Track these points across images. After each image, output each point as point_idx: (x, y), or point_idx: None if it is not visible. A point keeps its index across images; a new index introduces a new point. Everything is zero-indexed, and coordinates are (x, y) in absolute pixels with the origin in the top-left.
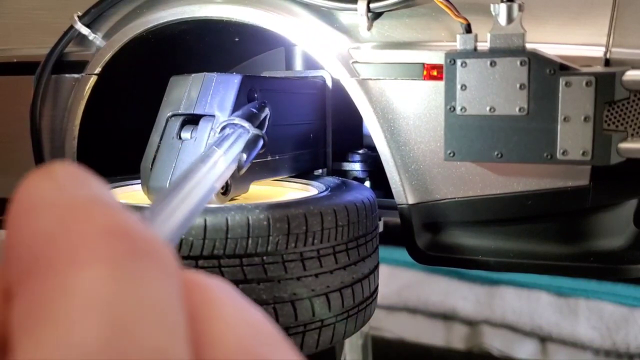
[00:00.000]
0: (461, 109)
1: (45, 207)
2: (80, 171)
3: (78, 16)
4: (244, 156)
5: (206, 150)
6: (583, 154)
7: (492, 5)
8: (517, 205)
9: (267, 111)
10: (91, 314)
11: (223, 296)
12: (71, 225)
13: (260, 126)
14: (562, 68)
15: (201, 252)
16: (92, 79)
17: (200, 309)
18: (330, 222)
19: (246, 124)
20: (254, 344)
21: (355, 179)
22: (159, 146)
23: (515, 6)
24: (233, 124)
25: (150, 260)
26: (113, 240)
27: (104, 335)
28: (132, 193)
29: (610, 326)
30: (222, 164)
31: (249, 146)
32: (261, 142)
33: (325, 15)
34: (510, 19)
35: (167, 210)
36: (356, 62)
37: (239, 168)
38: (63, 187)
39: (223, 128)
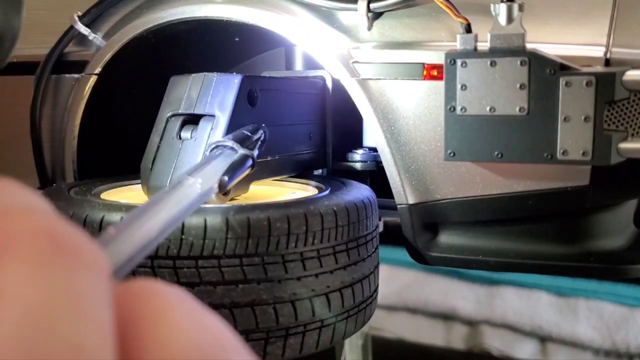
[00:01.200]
0: (461, 109)
1: None
2: (7, 180)
3: (78, 16)
4: (225, 179)
5: (178, 178)
6: (583, 154)
7: (492, 5)
8: (517, 205)
9: (260, 133)
10: (9, 308)
11: (174, 302)
12: None
13: (252, 147)
14: (562, 68)
15: (201, 252)
16: (92, 79)
17: (145, 314)
18: (331, 222)
19: (234, 145)
20: (208, 348)
21: (355, 179)
22: (159, 146)
23: (515, 6)
24: (222, 145)
25: (75, 259)
26: (37, 240)
27: (21, 329)
28: (132, 193)
29: (610, 326)
30: (192, 194)
31: (235, 166)
32: (249, 162)
33: (325, 15)
34: (510, 18)
35: (123, 234)
36: (356, 62)
37: (221, 188)
38: None
39: (212, 149)
